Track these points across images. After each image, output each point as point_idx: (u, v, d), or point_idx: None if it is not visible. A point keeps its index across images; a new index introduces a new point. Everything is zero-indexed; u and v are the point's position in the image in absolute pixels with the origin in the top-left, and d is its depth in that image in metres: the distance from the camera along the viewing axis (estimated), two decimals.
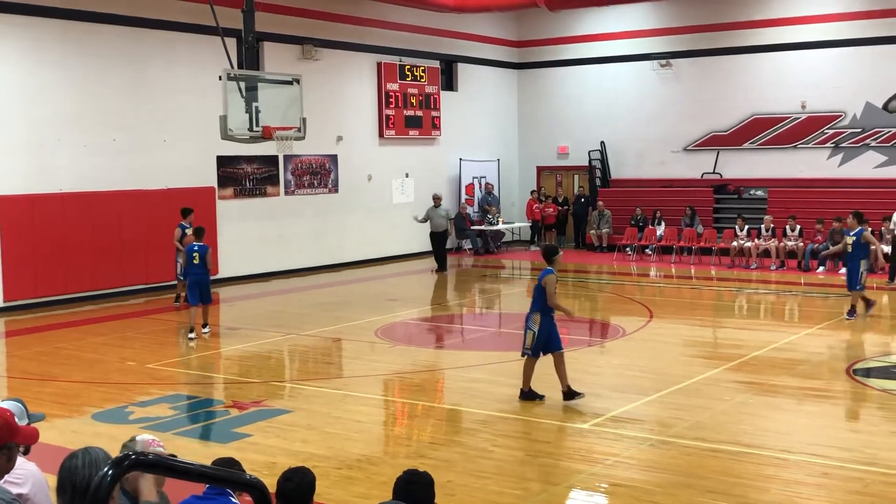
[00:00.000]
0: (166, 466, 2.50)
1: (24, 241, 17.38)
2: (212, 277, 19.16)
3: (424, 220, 22.82)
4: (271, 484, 4.64)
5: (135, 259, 18.98)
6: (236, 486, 2.75)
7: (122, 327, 15.98)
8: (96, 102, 18.48)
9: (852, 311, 15.55)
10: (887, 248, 20.20)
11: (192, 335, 14.69)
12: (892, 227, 19.60)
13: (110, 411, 10.56)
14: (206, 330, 14.98)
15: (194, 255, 14.73)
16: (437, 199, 23.22)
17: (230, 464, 5.12)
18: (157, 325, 16.30)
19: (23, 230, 17.37)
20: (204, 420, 10.25)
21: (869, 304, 15.80)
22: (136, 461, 2.41)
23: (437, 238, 22.98)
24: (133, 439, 4.28)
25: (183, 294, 17.91)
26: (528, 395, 10.70)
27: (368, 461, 8.77)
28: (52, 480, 3.75)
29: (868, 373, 11.88)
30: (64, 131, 18.01)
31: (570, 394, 10.54)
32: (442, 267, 22.94)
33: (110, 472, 2.35)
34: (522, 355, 10.78)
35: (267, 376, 12.63)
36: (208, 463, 4.46)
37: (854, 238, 15.72)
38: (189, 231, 17.79)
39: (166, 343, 14.75)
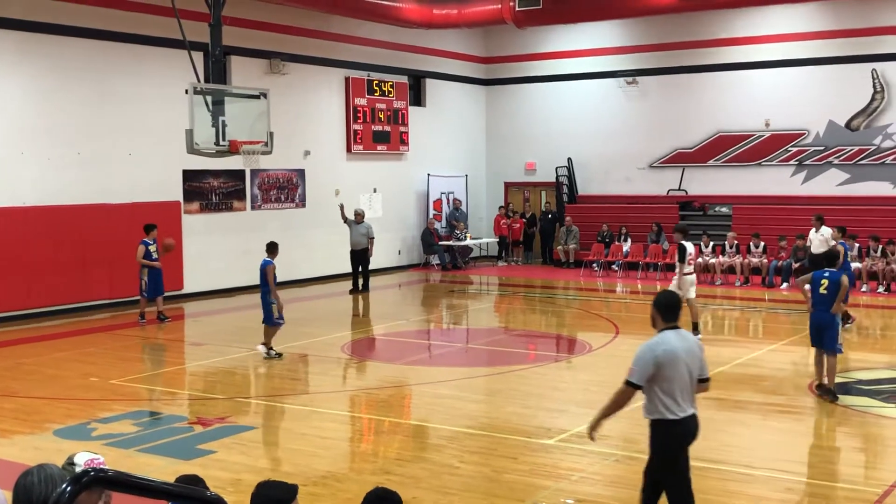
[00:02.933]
0: (126, 483, 2.47)
1: None
2: (181, 292, 19.06)
3: (344, 221, 21.92)
4: (236, 501, 4.61)
5: (99, 274, 18.79)
6: (197, 502, 2.73)
7: (86, 343, 15.79)
8: (61, 116, 18.31)
9: None
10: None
11: (268, 352, 14.16)
12: (806, 244, 19.86)
13: (73, 428, 10.43)
14: (262, 350, 14.17)
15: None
16: (358, 216, 22.18)
17: (194, 481, 5.06)
18: (120, 340, 16.14)
19: None
20: (167, 437, 10.14)
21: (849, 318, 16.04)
22: (96, 477, 2.38)
23: (355, 256, 21.95)
24: (71, 460, 4.15)
25: (147, 310, 17.72)
26: (830, 391, 11.39)
27: (334, 478, 8.73)
28: (7, 497, 3.70)
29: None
30: (27, 145, 17.83)
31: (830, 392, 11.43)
32: (364, 287, 21.88)
33: (69, 488, 2.33)
34: (835, 353, 11.41)
35: (232, 392, 12.53)
36: (171, 480, 4.42)
37: None
38: (152, 248, 17.59)
39: (130, 359, 14.61)
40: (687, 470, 6.61)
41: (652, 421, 6.49)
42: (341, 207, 21.84)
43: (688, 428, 6.49)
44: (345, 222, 21.84)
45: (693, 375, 6.45)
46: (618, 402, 6.51)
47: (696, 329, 15.19)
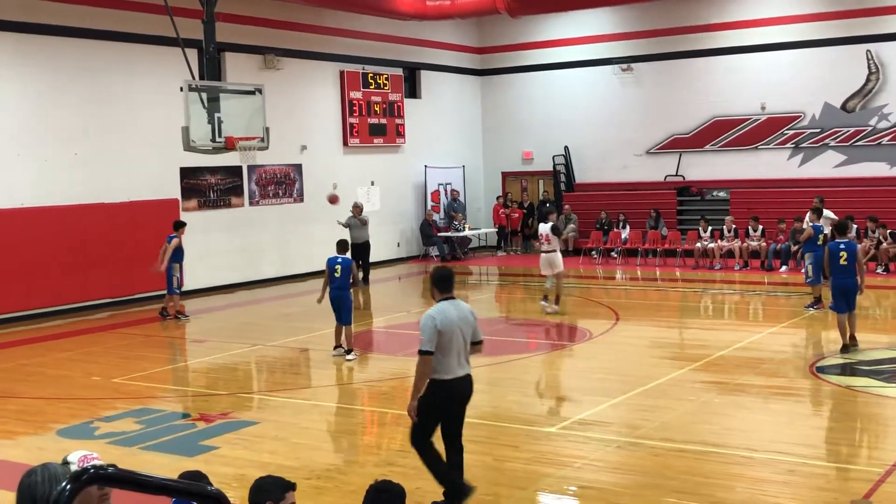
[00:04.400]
0: (126, 479, 2.49)
1: None
2: (182, 289, 19.03)
3: (346, 226, 21.78)
4: (241, 496, 4.64)
5: (98, 273, 18.80)
6: (197, 497, 2.75)
7: (87, 342, 15.82)
8: (56, 116, 18.31)
9: None
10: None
11: (334, 352, 13.81)
12: (803, 226, 19.80)
13: (76, 427, 10.46)
14: (350, 357, 13.58)
15: (336, 268, 13.66)
16: (356, 209, 22.09)
17: (196, 477, 5.09)
18: (122, 339, 16.17)
19: None
20: (171, 434, 10.17)
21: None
22: (96, 475, 2.40)
23: (357, 250, 21.63)
24: (66, 460, 4.16)
25: (170, 305, 17.63)
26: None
27: (338, 471, 8.76)
28: (12, 498, 3.72)
29: (831, 370, 12.03)
30: (24, 146, 17.83)
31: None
32: (364, 280, 21.65)
33: (69, 486, 2.34)
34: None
35: (234, 388, 12.56)
36: (175, 477, 4.44)
37: None
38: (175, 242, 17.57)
39: (132, 357, 14.62)
40: (454, 423, 7.57)
41: (429, 380, 7.32)
42: (340, 222, 21.67)
43: (459, 387, 7.38)
44: (346, 227, 21.69)
45: (466, 340, 7.34)
46: (422, 373, 7.29)
47: (557, 301, 17.12)
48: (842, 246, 12.86)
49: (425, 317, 7.29)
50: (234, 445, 9.56)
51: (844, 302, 12.76)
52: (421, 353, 7.23)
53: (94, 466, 2.42)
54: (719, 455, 8.78)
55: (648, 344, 14.56)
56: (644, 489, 7.93)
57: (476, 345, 7.51)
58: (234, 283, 21.61)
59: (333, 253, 14.10)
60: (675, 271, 22.98)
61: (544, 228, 17.16)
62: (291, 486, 4.72)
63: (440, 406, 7.39)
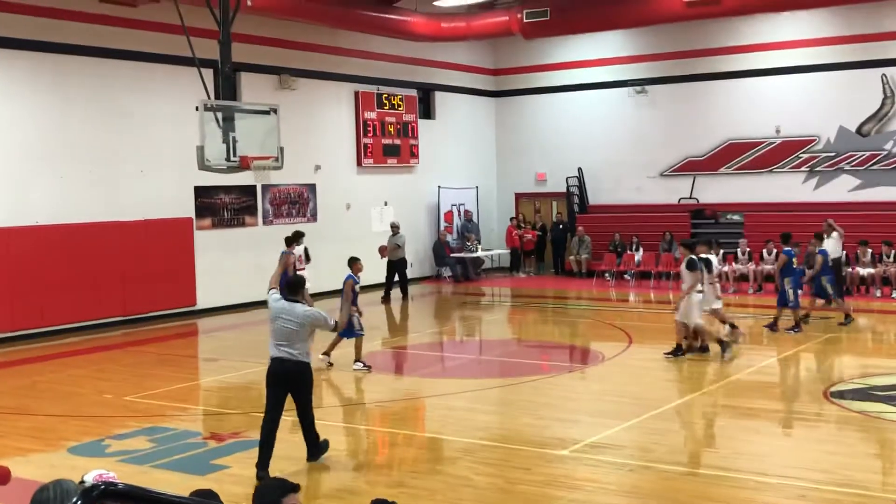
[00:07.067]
0: (137, 496, 2.49)
1: None
2: (194, 308, 19.18)
3: (391, 249, 21.80)
4: None
5: (112, 291, 18.86)
6: None
7: (100, 360, 15.86)
8: (72, 134, 18.43)
9: None
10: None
11: (324, 357, 14.34)
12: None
13: (87, 445, 10.47)
14: (357, 366, 14.26)
15: (356, 288, 14.22)
16: (395, 228, 23.02)
17: (208, 495, 5.06)
18: (134, 357, 16.19)
19: None
20: (182, 452, 10.16)
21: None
22: (106, 491, 2.41)
23: (394, 266, 22.52)
24: (83, 479, 4.16)
25: None
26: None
27: (349, 491, 8.74)
28: None
29: (845, 395, 11.95)
30: (39, 163, 17.94)
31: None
32: (403, 296, 22.67)
33: (79, 502, 2.35)
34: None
35: (246, 407, 12.54)
36: (186, 495, 4.43)
37: None
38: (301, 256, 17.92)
39: (144, 375, 14.64)
40: (278, 395, 9.31)
41: None
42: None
43: (273, 366, 9.24)
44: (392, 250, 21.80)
45: (290, 332, 9.08)
46: None
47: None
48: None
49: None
50: (245, 465, 9.54)
51: None
52: None
53: (104, 483, 2.42)
54: (731, 479, 8.72)
55: (661, 367, 14.50)
56: None
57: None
58: (248, 301, 21.60)
59: (342, 272, 14.30)
60: None
61: (296, 252, 18.48)
62: (292, 489, 4.65)
63: (268, 376, 9.32)
